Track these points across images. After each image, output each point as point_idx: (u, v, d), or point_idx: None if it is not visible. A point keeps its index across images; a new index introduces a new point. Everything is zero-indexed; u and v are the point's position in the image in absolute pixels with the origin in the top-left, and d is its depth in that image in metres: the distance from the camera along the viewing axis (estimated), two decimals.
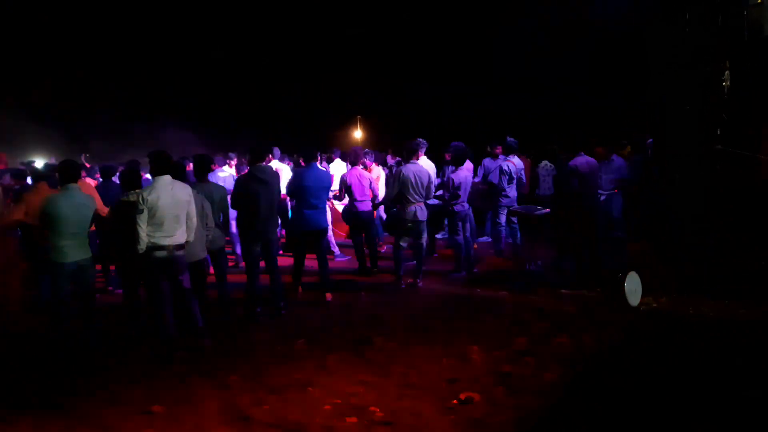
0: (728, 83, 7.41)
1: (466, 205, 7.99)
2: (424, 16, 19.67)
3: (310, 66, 22.18)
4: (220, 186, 6.53)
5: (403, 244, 7.43)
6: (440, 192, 8.90)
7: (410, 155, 7.54)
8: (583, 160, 7.35)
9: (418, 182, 7.31)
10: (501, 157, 9.09)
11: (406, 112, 20.34)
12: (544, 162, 8.58)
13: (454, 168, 8.09)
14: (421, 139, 7.69)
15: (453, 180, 7.88)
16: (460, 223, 8.01)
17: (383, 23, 20.26)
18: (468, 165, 8.51)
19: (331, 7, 20.17)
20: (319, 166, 9.19)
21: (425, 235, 7.58)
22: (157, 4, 20.00)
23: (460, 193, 7.85)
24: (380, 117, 22.87)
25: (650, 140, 8.87)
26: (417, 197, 7.32)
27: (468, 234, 8.13)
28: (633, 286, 6.23)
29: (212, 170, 6.63)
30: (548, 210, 8.06)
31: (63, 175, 5.29)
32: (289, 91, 22.40)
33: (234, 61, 21.86)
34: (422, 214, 7.37)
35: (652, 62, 7.65)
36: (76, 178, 5.37)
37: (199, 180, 6.24)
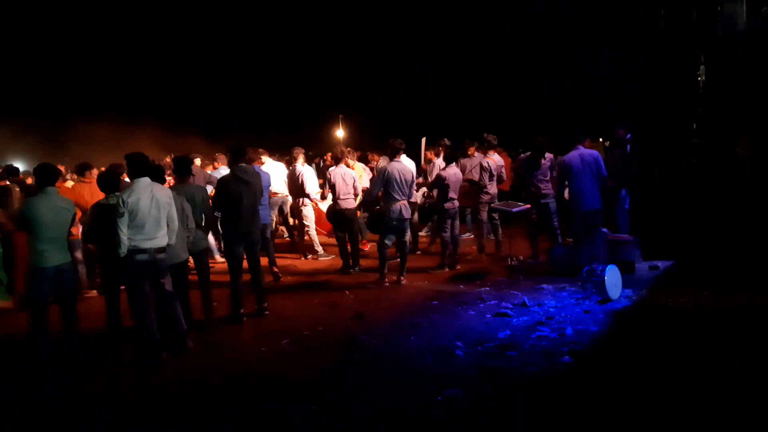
0: (703, 77, 7.53)
1: (456, 202, 8.06)
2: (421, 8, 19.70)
3: (299, 65, 22.14)
4: (202, 187, 6.49)
5: (388, 242, 7.46)
6: (423, 189, 8.96)
7: (394, 154, 7.59)
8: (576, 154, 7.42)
9: (403, 180, 7.36)
10: (477, 154, 9.14)
11: (388, 110, 20.40)
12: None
13: (444, 165, 8.19)
14: (399, 140, 7.76)
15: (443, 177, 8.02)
16: (449, 221, 8.08)
17: (383, 23, 20.28)
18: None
19: (331, 7, 20.14)
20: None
21: (409, 233, 7.63)
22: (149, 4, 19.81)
23: (450, 191, 7.93)
24: (362, 116, 22.91)
25: (629, 135, 8.98)
26: (402, 195, 7.36)
27: (456, 232, 8.21)
28: (614, 280, 6.31)
29: (191, 172, 6.58)
30: (528, 206, 8.14)
31: (40, 178, 5.22)
32: (274, 91, 22.35)
33: (220, 63, 21.74)
34: (407, 212, 7.42)
35: (649, 61, 7.74)
36: (54, 181, 5.30)
37: (180, 181, 6.20)
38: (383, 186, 7.35)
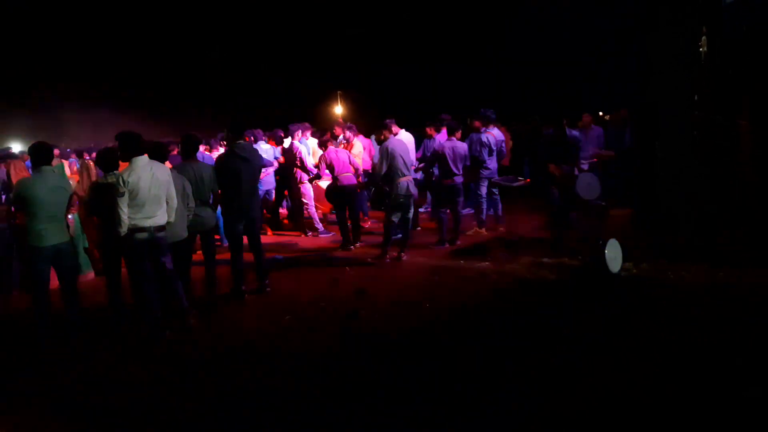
0: (705, 49, 7.44)
1: (459, 178, 8.01)
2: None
3: (298, 65, 22.04)
4: (210, 165, 6.37)
5: (395, 219, 7.42)
6: (422, 165, 8.88)
7: (385, 133, 7.51)
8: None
9: (406, 155, 7.31)
10: (483, 129, 9.06)
11: (386, 88, 20.33)
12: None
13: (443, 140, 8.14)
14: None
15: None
16: (453, 197, 8.06)
17: (383, 23, 20.11)
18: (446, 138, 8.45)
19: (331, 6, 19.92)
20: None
21: (412, 209, 7.60)
22: None
23: (450, 166, 7.87)
24: (361, 92, 22.83)
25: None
26: (407, 171, 7.31)
27: (459, 207, 8.18)
28: (614, 253, 6.30)
29: (197, 151, 6.49)
30: (528, 180, 8.11)
31: (36, 157, 5.13)
32: (271, 67, 22.21)
33: (220, 63, 21.58)
34: (414, 188, 7.38)
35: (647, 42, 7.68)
36: (50, 160, 5.23)
37: (187, 159, 6.10)
38: (388, 163, 7.27)
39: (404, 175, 7.26)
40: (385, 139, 7.44)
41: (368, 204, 10.43)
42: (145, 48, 20.42)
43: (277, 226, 10.23)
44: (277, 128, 10.32)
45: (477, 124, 8.81)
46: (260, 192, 9.45)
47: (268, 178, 9.61)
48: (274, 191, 10.03)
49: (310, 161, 9.07)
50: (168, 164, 5.59)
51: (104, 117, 17.04)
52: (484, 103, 9.05)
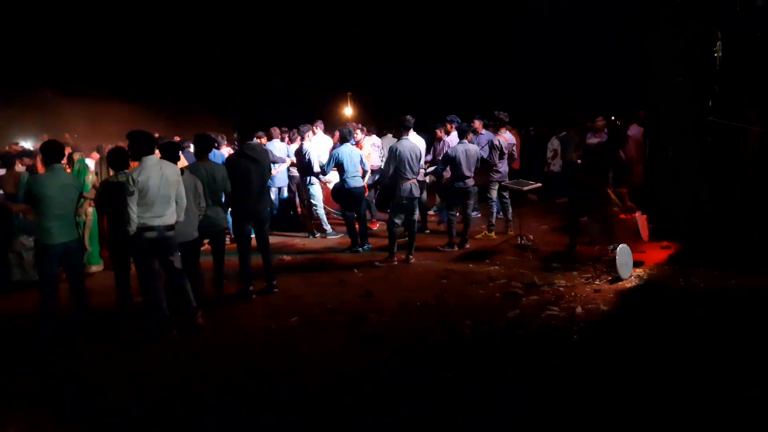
0: (720, 54, 7.36)
1: (470, 180, 7.98)
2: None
3: (299, 65, 22.16)
4: (221, 165, 6.40)
5: (398, 221, 7.41)
6: (433, 168, 8.87)
7: (403, 132, 7.50)
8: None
9: (413, 158, 7.30)
10: (484, 132, 9.06)
11: (386, 89, 20.38)
12: None
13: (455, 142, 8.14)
14: (409, 116, 7.65)
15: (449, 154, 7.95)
16: (461, 199, 8.03)
17: (383, 23, 20.18)
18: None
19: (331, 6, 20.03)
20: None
21: (417, 212, 7.57)
22: None
23: (462, 168, 7.83)
24: (361, 92, 22.89)
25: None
26: (412, 174, 7.30)
27: (469, 210, 8.14)
28: (624, 259, 6.24)
29: (211, 151, 6.52)
30: (539, 184, 8.06)
31: (47, 155, 5.20)
32: (271, 67, 22.32)
33: (220, 63, 21.73)
34: (417, 190, 7.37)
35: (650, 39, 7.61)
36: (61, 158, 5.29)
37: (200, 159, 6.13)
38: (395, 165, 7.27)
39: (409, 179, 7.25)
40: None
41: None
42: (145, 48, 20.56)
43: (289, 225, 10.24)
44: (277, 127, 10.32)
45: (475, 124, 8.81)
46: (273, 189, 9.58)
47: (280, 176, 9.68)
48: (286, 189, 10.09)
49: (316, 163, 9.05)
50: (183, 162, 5.60)
51: (103, 117, 17.19)
52: (484, 103, 9.06)
